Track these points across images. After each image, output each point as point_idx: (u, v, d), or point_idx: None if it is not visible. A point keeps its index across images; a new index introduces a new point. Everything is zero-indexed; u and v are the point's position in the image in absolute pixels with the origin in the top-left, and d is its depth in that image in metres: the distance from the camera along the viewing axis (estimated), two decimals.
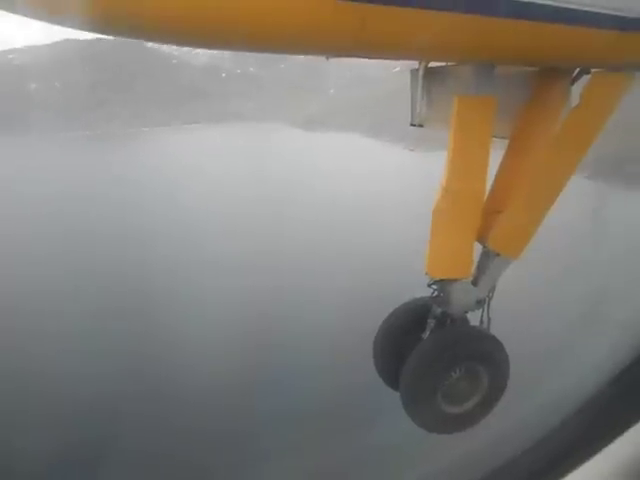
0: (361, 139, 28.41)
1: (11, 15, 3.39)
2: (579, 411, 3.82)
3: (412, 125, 5.55)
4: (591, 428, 3.31)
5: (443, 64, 5.31)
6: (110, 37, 4.00)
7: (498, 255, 5.30)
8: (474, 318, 5.44)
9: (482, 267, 5.35)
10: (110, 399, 13.52)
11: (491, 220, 5.17)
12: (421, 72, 5.36)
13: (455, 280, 5.21)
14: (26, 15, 3.52)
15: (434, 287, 5.34)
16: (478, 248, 5.35)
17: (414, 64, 5.19)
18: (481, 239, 5.24)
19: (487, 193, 5.22)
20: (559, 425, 3.80)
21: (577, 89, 5.08)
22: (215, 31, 3.69)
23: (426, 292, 5.18)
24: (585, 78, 5.05)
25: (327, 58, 5.01)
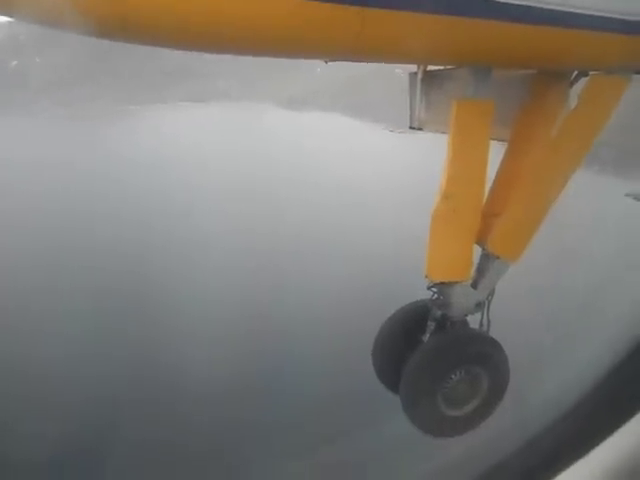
0: (342, 118, 28.49)
1: None
2: (572, 411, 3.83)
3: (411, 128, 5.56)
4: (583, 428, 3.32)
5: (441, 67, 5.32)
6: None
7: (497, 258, 5.30)
8: (473, 321, 5.44)
9: (481, 270, 5.35)
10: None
11: (490, 223, 5.17)
12: (419, 75, 5.37)
13: (455, 283, 5.21)
14: (19, 17, 3.52)
15: (434, 290, 5.34)
16: (478, 251, 5.36)
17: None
18: (480, 242, 5.24)
19: (486, 196, 5.23)
20: (552, 424, 3.81)
21: (575, 92, 5.10)
22: (210, 35, 3.66)
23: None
24: (583, 81, 5.06)
25: (326, 62, 5.02)
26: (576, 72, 5.07)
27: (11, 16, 3.49)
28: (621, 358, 3.82)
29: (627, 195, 19.10)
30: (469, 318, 5.46)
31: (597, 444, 2.49)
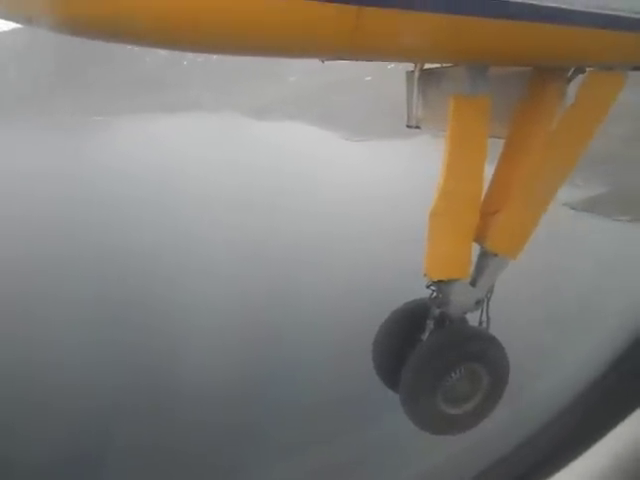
0: (305, 127, 28.60)
1: None
2: (567, 410, 3.81)
3: (408, 126, 5.55)
4: (578, 427, 3.30)
5: (438, 65, 5.31)
6: None
7: (496, 255, 5.29)
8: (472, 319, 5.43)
9: (480, 268, 5.34)
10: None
11: (488, 220, 5.16)
12: (416, 74, 5.37)
13: (454, 281, 5.21)
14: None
15: (433, 288, 5.33)
16: (476, 249, 5.35)
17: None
18: (479, 239, 5.23)
19: (484, 193, 5.22)
20: (551, 421, 3.79)
21: (573, 88, 5.09)
22: (201, 35, 3.63)
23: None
24: (580, 77, 5.06)
25: (322, 61, 5.03)
26: (573, 69, 5.07)
27: None
28: (619, 355, 3.81)
29: (564, 205, 19.04)
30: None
31: (594, 443, 2.48)
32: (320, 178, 21.94)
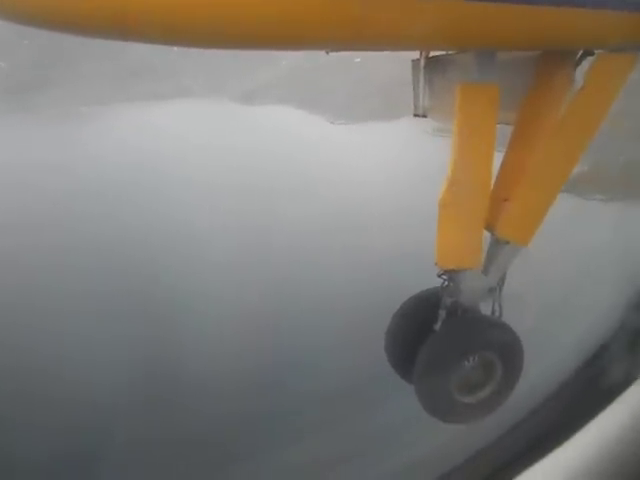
0: (294, 111, 28.54)
1: None
2: (548, 399, 3.82)
3: (415, 115, 5.51)
4: (560, 417, 3.30)
5: (444, 53, 5.26)
6: None
7: (507, 243, 5.27)
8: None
9: (492, 256, 5.33)
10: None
11: (499, 208, 5.14)
12: (422, 62, 5.32)
13: (465, 270, 5.20)
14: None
15: (444, 277, 5.33)
16: (487, 237, 5.33)
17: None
18: (489, 227, 5.22)
19: (494, 181, 5.19)
20: (530, 412, 3.79)
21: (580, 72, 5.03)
22: (199, 28, 3.60)
23: None
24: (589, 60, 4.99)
25: (327, 52, 4.99)
26: (581, 52, 5.00)
27: None
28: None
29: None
30: None
31: (575, 433, 2.47)
32: (303, 161, 21.86)
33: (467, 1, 3.97)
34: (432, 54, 5.38)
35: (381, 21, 3.85)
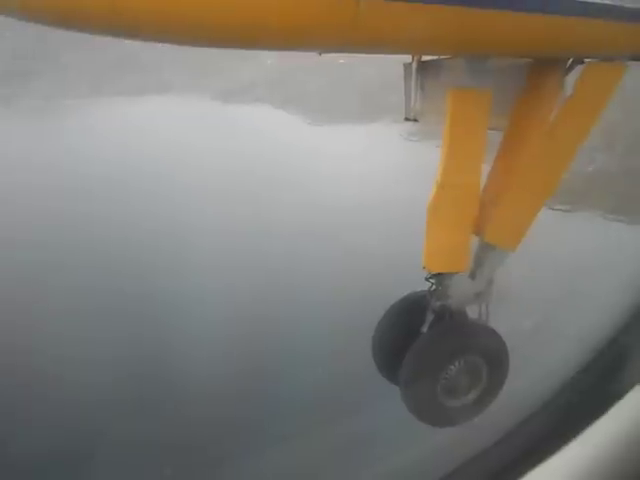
0: (273, 111, 28.42)
1: None
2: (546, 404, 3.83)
3: (406, 119, 5.53)
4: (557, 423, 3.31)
5: (436, 57, 5.28)
6: None
7: (495, 248, 5.30)
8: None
9: (479, 260, 5.35)
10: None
11: (487, 213, 5.17)
12: (414, 66, 5.34)
13: (453, 274, 5.22)
14: None
15: (432, 281, 5.35)
16: (475, 241, 5.35)
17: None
18: (477, 232, 5.24)
19: (483, 186, 5.22)
20: (527, 418, 3.80)
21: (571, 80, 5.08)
22: (195, 28, 3.57)
23: None
24: (579, 68, 5.04)
25: (319, 54, 4.98)
26: (572, 60, 5.05)
27: None
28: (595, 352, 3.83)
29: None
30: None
31: (572, 439, 2.47)
32: (274, 161, 21.75)
33: (460, 7, 3.99)
34: (424, 58, 5.40)
35: (376, 25, 3.86)
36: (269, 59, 31.78)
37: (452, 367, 5.17)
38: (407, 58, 5.46)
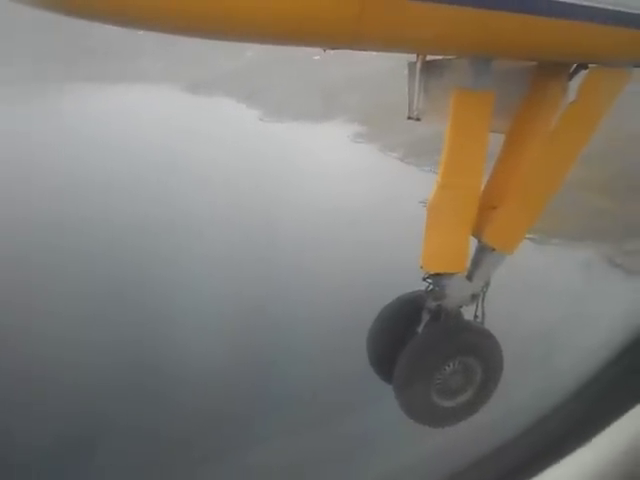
0: (234, 105, 28.46)
1: None
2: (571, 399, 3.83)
3: (409, 119, 5.51)
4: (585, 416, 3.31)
5: (441, 57, 5.27)
6: None
7: (493, 250, 5.30)
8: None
9: (477, 262, 5.35)
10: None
11: (487, 215, 5.17)
12: (419, 65, 5.32)
13: (450, 274, 5.22)
14: None
15: (429, 281, 5.35)
16: (474, 242, 5.36)
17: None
18: (477, 234, 5.24)
19: (483, 188, 5.22)
20: (548, 413, 3.80)
21: (574, 84, 5.09)
22: (198, 19, 3.54)
23: None
24: (583, 73, 5.05)
25: (324, 50, 4.96)
26: (575, 65, 5.06)
27: None
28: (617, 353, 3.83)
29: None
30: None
31: (585, 442, 2.48)
32: (221, 156, 21.71)
33: (465, 8, 3.98)
34: (429, 57, 5.39)
35: (381, 23, 3.85)
36: (249, 51, 31.51)
37: (446, 368, 5.17)
38: (412, 57, 5.45)
